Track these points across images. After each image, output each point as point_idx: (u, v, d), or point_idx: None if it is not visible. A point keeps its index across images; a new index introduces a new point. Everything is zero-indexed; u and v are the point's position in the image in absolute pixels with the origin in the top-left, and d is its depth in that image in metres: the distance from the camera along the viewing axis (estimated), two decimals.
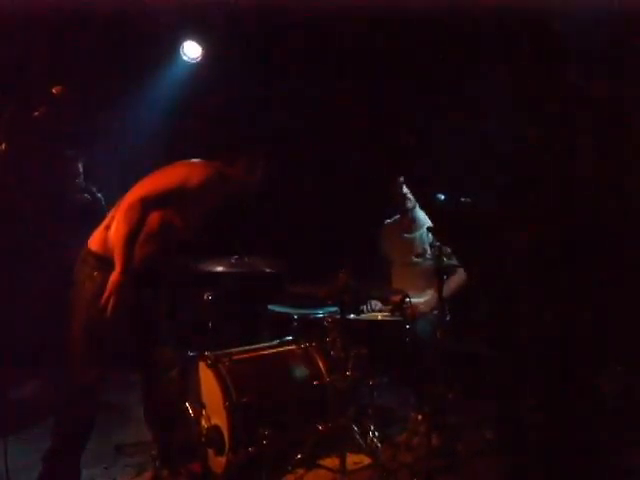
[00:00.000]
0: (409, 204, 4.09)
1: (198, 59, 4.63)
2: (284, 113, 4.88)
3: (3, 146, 2.61)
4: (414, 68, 4.54)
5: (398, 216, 4.24)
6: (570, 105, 2.07)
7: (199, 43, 4.59)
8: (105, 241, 2.78)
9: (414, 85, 4.59)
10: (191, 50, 4.60)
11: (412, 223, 4.13)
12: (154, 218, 2.80)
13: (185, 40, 4.58)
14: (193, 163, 2.95)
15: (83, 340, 2.76)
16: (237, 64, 4.71)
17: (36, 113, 2.70)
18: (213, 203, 2.99)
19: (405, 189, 4.08)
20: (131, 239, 2.68)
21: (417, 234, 4.10)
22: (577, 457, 2.04)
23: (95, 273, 2.74)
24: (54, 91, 2.71)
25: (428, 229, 3.63)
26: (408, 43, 4.42)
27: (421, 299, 3.95)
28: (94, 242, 2.82)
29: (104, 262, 2.72)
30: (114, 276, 2.66)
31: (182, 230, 2.92)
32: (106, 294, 2.65)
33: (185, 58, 4.61)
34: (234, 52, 4.66)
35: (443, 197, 3.32)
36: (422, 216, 4.13)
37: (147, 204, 2.72)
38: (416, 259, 3.80)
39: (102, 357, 2.80)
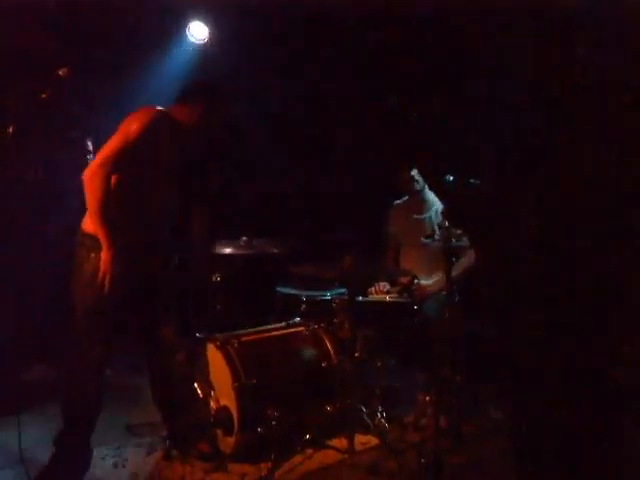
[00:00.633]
0: (417, 186, 4.07)
1: (205, 40, 4.60)
2: (290, 96, 4.85)
3: (10, 129, 2.61)
4: (421, 51, 4.49)
5: (407, 197, 4.22)
6: (577, 86, 2.05)
7: (206, 24, 4.55)
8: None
9: (420, 68, 4.55)
10: (198, 31, 4.56)
11: (422, 204, 4.11)
12: (119, 180, 2.75)
13: (192, 21, 4.54)
14: (134, 113, 2.81)
15: (85, 321, 2.79)
16: (243, 45, 4.67)
17: (43, 95, 2.70)
18: (168, 147, 2.86)
19: (414, 171, 4.06)
20: (103, 210, 2.66)
21: (426, 215, 4.08)
22: (584, 438, 2.04)
23: (92, 255, 2.74)
24: (60, 73, 2.70)
25: (441, 213, 3.62)
26: (414, 28, 4.38)
27: (429, 281, 3.95)
28: (88, 223, 2.81)
29: (100, 242, 2.71)
30: (104, 254, 2.68)
31: (155, 187, 2.85)
32: (101, 274, 2.68)
33: (191, 39, 4.58)
34: (241, 33, 4.62)
35: (452, 178, 3.30)
36: (432, 197, 4.11)
37: (104, 169, 2.67)
38: (425, 240, 3.78)
39: (105, 337, 2.82)
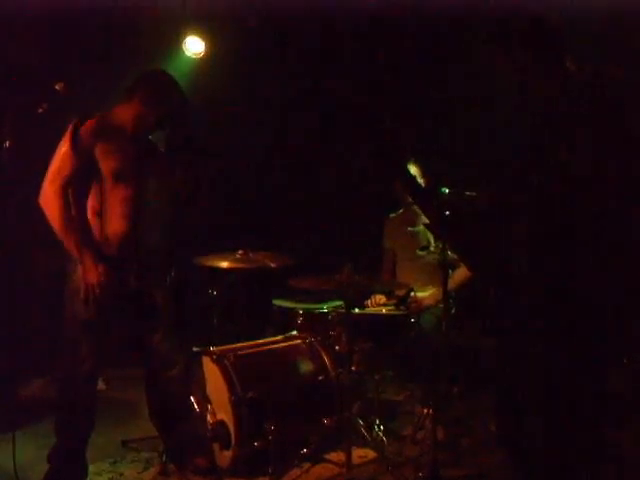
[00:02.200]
0: (409, 198, 4.08)
1: (201, 54, 4.62)
2: (286, 109, 4.88)
3: (7, 143, 2.62)
4: (413, 58, 4.52)
5: (401, 210, 4.23)
6: (568, 92, 2.06)
7: (202, 38, 4.58)
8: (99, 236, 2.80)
9: (414, 77, 4.58)
10: (194, 45, 4.58)
11: (416, 216, 4.13)
12: (77, 192, 2.76)
13: (188, 35, 4.56)
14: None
15: (73, 334, 2.80)
16: (240, 59, 4.70)
17: (40, 110, 2.71)
18: (115, 150, 2.81)
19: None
20: (65, 227, 2.69)
21: (421, 227, 4.10)
22: (580, 451, 2.04)
23: (78, 267, 2.76)
24: (57, 87, 2.71)
25: (424, 225, 3.65)
26: (406, 35, 4.41)
27: (426, 293, 3.95)
28: None
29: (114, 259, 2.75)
30: (80, 268, 2.70)
31: (117, 193, 2.82)
32: (82, 287, 2.70)
33: (188, 53, 4.60)
34: (237, 47, 4.65)
35: (447, 191, 3.32)
36: None
37: (52, 186, 2.69)
38: (420, 252, 3.79)
39: (94, 350, 2.81)
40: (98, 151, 2.77)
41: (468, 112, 4.23)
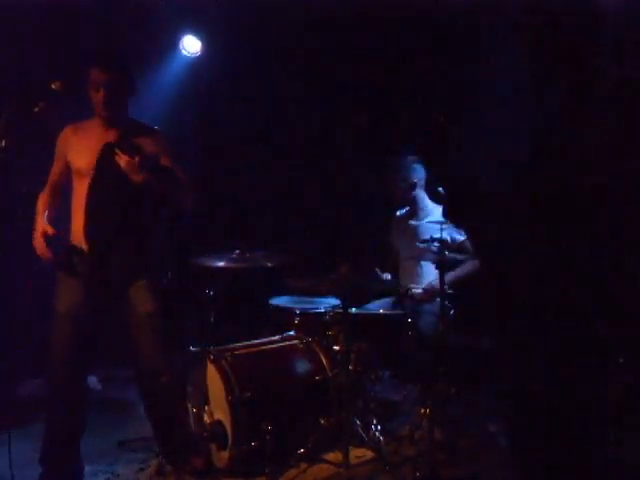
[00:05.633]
0: (411, 193, 4.10)
1: (197, 54, 4.62)
2: (285, 107, 4.86)
3: (3, 142, 2.60)
4: (423, 48, 4.49)
5: (408, 207, 4.23)
6: (582, 86, 2.06)
7: (199, 38, 4.57)
8: (71, 231, 2.89)
9: (422, 67, 4.54)
10: (191, 45, 4.58)
11: (419, 211, 4.14)
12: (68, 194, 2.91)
13: (184, 35, 4.56)
14: None
15: (52, 326, 2.82)
16: (237, 59, 4.69)
17: (36, 109, 2.70)
18: (84, 145, 2.90)
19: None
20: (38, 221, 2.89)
21: (423, 222, 4.11)
22: (578, 450, 2.04)
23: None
24: (53, 86, 2.70)
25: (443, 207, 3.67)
26: (421, 28, 4.37)
27: (419, 290, 3.95)
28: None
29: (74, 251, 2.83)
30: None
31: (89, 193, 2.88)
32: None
33: (185, 53, 4.59)
34: (234, 46, 4.64)
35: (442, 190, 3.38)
36: (430, 206, 4.13)
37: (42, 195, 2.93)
38: (421, 245, 3.81)
39: (71, 344, 2.81)
40: (70, 152, 2.91)
41: (476, 107, 4.20)
